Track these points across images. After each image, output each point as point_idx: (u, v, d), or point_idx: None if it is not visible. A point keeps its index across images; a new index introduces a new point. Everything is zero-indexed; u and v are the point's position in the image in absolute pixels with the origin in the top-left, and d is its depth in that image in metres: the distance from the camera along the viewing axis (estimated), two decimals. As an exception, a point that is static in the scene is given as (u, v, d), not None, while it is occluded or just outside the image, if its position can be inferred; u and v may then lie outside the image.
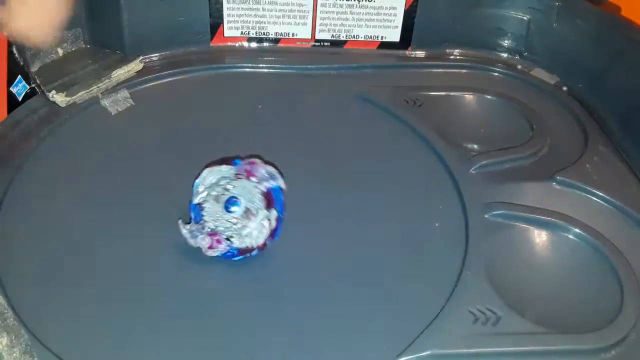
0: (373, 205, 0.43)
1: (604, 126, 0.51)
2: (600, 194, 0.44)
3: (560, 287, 0.39)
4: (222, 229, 0.38)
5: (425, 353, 0.34)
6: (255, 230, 0.37)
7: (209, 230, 0.38)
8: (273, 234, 0.38)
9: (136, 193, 0.43)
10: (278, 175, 0.39)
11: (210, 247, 0.37)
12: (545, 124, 0.51)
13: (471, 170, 0.46)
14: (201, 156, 0.43)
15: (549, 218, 0.42)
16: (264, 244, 0.38)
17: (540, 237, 0.41)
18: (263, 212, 0.38)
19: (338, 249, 0.40)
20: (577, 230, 0.41)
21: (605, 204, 0.44)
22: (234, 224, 0.37)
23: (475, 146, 0.49)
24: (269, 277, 0.38)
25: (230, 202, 0.38)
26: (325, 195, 0.44)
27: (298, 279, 0.38)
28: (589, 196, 0.44)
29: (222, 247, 0.37)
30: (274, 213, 0.38)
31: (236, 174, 0.39)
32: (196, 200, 0.39)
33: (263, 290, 0.37)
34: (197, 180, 0.39)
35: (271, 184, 0.39)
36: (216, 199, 0.38)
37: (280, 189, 0.39)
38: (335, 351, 0.34)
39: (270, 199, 0.38)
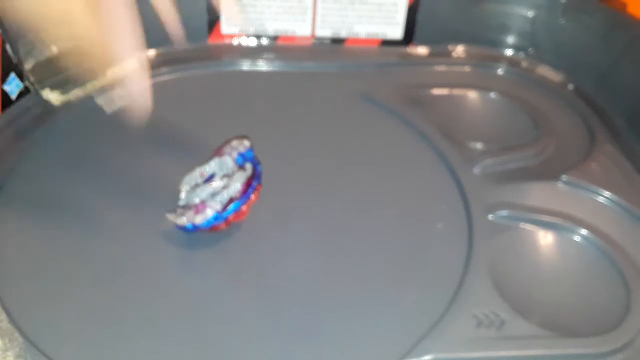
0: (374, 205, 0.43)
1: (611, 125, 0.51)
2: (608, 194, 0.43)
3: (566, 289, 0.38)
4: (204, 196, 0.38)
5: (427, 357, 0.33)
6: (233, 182, 0.38)
7: (194, 204, 0.38)
8: (251, 180, 0.39)
9: (132, 193, 0.42)
10: (247, 142, 0.41)
11: (197, 212, 0.37)
12: (550, 123, 0.50)
13: (475, 169, 0.45)
14: (198, 155, 0.42)
15: (554, 219, 0.41)
16: (245, 190, 0.38)
17: (545, 238, 0.41)
18: (238, 171, 0.39)
19: (337, 250, 0.40)
20: (583, 231, 0.40)
21: (613, 205, 0.43)
22: (214, 188, 0.38)
23: (479, 145, 0.48)
24: (266, 280, 0.37)
25: (207, 180, 0.39)
26: (325, 194, 0.43)
27: (295, 281, 0.37)
28: (596, 197, 0.44)
29: (209, 211, 0.37)
30: (248, 165, 0.39)
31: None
32: (181, 203, 0.40)
33: (261, 294, 0.37)
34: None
35: (241, 150, 0.40)
36: (194, 187, 0.39)
37: (252, 149, 0.41)
38: (334, 356, 0.34)
39: (245, 159, 0.40)
